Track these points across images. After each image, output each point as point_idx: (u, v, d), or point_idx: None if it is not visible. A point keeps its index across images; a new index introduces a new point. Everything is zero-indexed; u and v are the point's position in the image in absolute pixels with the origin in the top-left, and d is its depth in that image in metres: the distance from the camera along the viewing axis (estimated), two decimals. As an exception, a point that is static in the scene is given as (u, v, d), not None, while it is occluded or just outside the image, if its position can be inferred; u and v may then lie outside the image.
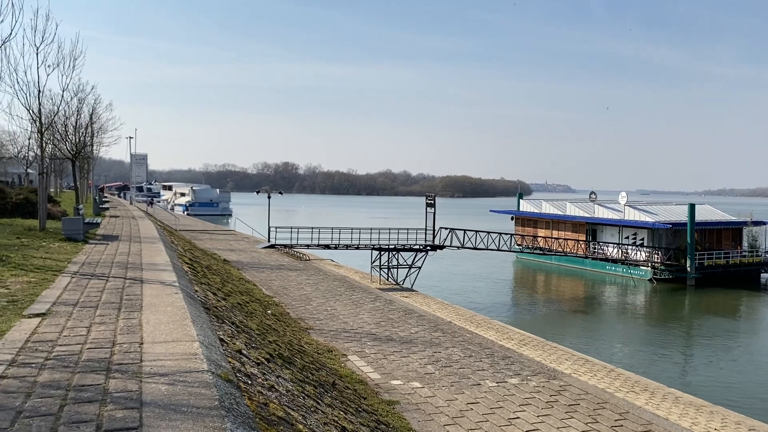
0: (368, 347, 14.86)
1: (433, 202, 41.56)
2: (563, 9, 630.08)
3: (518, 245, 52.54)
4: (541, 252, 50.14)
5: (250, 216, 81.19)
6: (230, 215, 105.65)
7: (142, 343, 6.78)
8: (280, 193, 44.08)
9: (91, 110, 35.58)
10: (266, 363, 8.29)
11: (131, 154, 58.10)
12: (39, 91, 19.10)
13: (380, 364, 13.46)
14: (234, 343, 8.25)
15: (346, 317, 18.52)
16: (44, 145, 20.82)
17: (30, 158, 54.56)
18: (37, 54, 18.74)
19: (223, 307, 11.47)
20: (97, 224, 20.87)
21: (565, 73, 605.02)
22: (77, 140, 33.27)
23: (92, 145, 42.49)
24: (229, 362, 6.82)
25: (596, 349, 27.01)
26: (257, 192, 43.65)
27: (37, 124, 19.58)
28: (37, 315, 8.06)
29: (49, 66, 18.78)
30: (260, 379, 6.97)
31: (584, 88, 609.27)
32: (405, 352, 14.55)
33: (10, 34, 12.88)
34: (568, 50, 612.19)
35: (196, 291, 11.58)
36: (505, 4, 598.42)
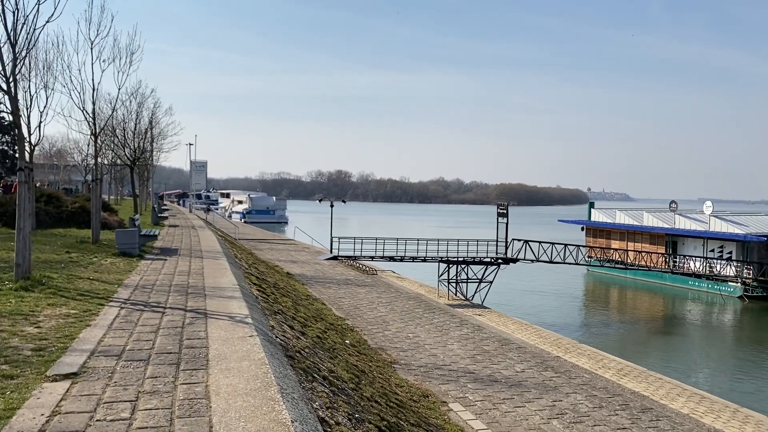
0: (471, 391, 12.19)
1: (505, 211, 38.61)
2: (623, 13, 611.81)
3: (589, 257, 48.94)
4: (623, 266, 46.13)
5: (304, 224, 79.71)
6: (286, 223, 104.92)
7: (211, 440, 4.36)
8: (343, 201, 41.91)
9: (150, 114, 34.25)
10: (382, 450, 5.80)
11: (191, 161, 57.23)
12: (93, 90, 17.40)
13: (492, 417, 10.79)
14: (336, 421, 5.78)
15: (433, 347, 15.90)
16: (98, 149, 19.14)
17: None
18: (91, 49, 16.99)
19: (305, 349, 9.05)
20: (155, 236, 18.97)
21: (625, 78, 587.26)
22: (136, 145, 31.89)
23: (151, 151, 41.34)
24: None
25: (692, 376, 23.68)
26: (319, 200, 41.64)
27: (91, 126, 17.87)
28: (66, 376, 5.77)
29: (104, 61, 17.03)
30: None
31: (644, 94, 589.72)
32: (517, 400, 11.82)
33: (53, 13, 10.84)
34: (629, 55, 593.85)
35: (272, 327, 9.20)
36: (566, 9, 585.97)
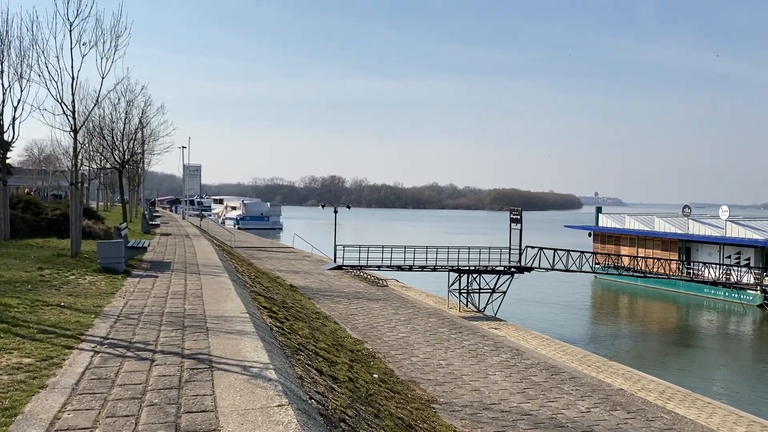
0: (536, 442, 9.83)
1: (519, 217, 36.42)
2: (614, 20, 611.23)
3: (597, 264, 46.98)
4: (642, 274, 43.93)
5: (298, 230, 77.31)
6: (281, 229, 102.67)
7: None
8: (348, 207, 39.57)
9: (140, 113, 31.69)
10: None
11: (184, 166, 54.55)
12: (73, 79, 14.99)
13: (574, 482, 8.43)
14: None
15: (472, 379, 13.50)
16: (79, 147, 16.69)
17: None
18: (70, 31, 14.60)
19: (348, 411, 6.66)
20: (144, 248, 16.48)
21: (616, 83, 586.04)
22: (125, 147, 29.39)
23: (142, 153, 38.73)
24: None
25: (733, 397, 21.55)
26: (322, 206, 39.28)
27: (71, 121, 15.43)
28: None
29: (84, 44, 14.62)
30: None
31: (636, 100, 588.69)
32: (598, 455, 9.46)
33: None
34: (619, 60, 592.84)
35: (301, 379, 6.80)
36: (557, 16, 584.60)
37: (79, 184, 16.06)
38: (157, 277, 13.59)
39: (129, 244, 15.98)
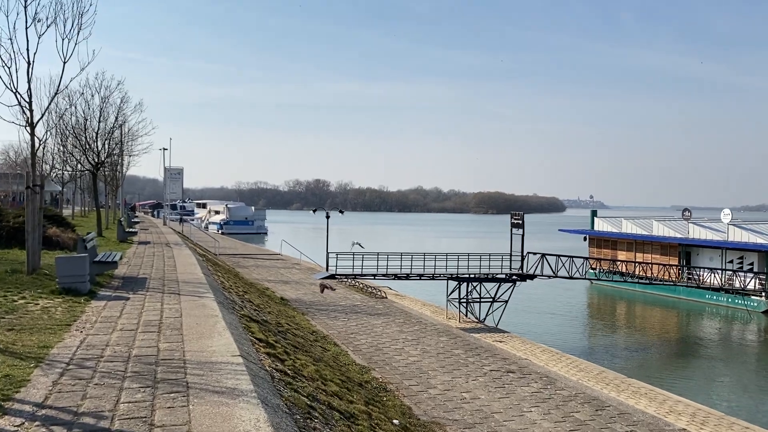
0: None
1: (520, 222, 34.45)
2: (595, 24, 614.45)
3: (593, 269, 45.39)
4: (649, 281, 42.14)
5: (283, 234, 75.07)
6: (266, 233, 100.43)
7: None
8: (341, 212, 37.39)
9: (117, 110, 29.22)
10: None
11: (165, 168, 51.85)
12: (28, 64, 12.68)
13: None
14: None
15: (506, 418, 11.35)
16: (36, 143, 14.30)
17: (61, 174, 48.65)
18: (25, 8, 12.34)
19: None
20: (115, 263, 14.12)
21: (599, 87, 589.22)
22: (100, 147, 26.97)
23: (120, 154, 36.20)
24: None
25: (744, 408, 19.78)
26: (313, 211, 37.04)
27: (27, 114, 13.11)
28: None
29: (39, 21, 12.36)
30: None
31: (619, 103, 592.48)
32: None
33: None
34: (601, 64, 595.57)
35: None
36: (540, 20, 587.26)
37: (39, 188, 13.70)
38: (128, 299, 11.28)
39: (97, 258, 13.65)
